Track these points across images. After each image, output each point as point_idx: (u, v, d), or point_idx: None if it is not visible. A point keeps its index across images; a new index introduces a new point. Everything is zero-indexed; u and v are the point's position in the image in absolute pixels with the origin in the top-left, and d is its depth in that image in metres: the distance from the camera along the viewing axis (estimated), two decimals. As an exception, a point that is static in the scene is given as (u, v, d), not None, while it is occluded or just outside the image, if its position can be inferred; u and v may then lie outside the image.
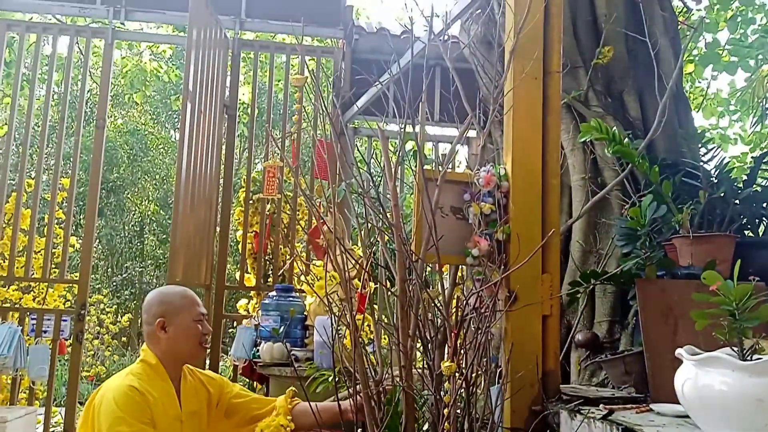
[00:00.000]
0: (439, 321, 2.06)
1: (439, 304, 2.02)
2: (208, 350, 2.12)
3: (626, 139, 2.54)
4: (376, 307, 2.56)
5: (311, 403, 1.98)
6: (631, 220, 2.32)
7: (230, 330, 6.73)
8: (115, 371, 11.93)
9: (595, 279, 2.30)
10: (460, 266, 2.29)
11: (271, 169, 4.27)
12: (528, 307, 2.08)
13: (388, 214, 2.03)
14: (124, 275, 15.64)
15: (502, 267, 2.05)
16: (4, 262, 4.38)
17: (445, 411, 1.63)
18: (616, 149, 2.45)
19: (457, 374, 1.73)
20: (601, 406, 1.85)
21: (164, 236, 16.13)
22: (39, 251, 4.43)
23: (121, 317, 10.97)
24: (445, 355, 1.86)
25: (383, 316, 2.10)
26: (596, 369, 2.64)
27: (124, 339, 12.95)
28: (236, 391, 2.30)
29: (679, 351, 1.58)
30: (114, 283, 15.06)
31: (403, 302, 1.91)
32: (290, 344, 3.92)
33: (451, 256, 2.13)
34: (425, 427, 2.04)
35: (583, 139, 2.54)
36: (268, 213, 4.50)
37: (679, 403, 1.71)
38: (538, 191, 2.19)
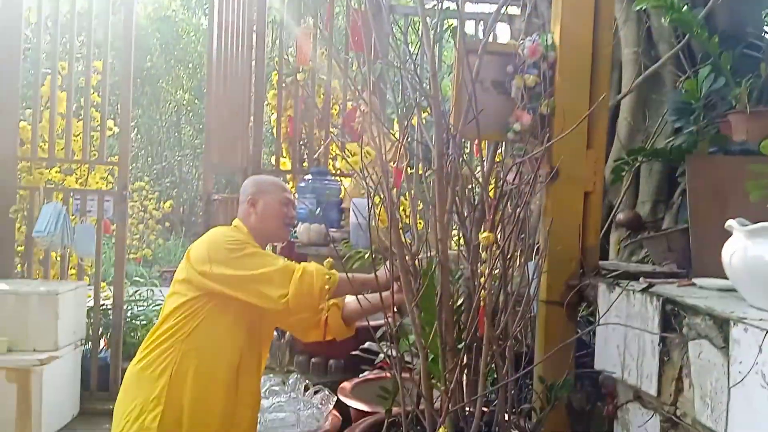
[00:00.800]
0: (477, 198, 2.02)
1: (477, 180, 1.97)
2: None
3: (685, 7, 2.35)
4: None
5: (348, 274, 2.00)
6: (685, 93, 2.19)
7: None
8: (161, 254, 12.41)
9: (643, 155, 2.21)
10: (500, 144, 2.22)
11: (305, 35, 4.11)
12: (570, 183, 2.02)
13: (425, 85, 1.94)
14: (163, 164, 15.96)
15: (545, 143, 1.97)
16: (45, 144, 4.45)
17: (482, 280, 1.62)
18: (674, 18, 2.27)
19: (494, 247, 1.71)
20: (641, 279, 1.82)
21: (200, 126, 16.24)
22: (78, 134, 4.47)
23: (163, 204, 11.24)
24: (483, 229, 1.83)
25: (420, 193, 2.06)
26: (636, 248, 2.61)
27: (167, 224, 13.39)
28: None
29: (729, 222, 1.52)
30: (155, 171, 15.41)
31: (440, 177, 1.86)
32: (326, 226, 3.97)
33: (492, 132, 2.06)
34: (460, 301, 2.06)
35: (638, 7, 2.36)
36: (300, 82, 4.36)
37: (722, 279, 1.69)
38: (588, 62, 2.06)
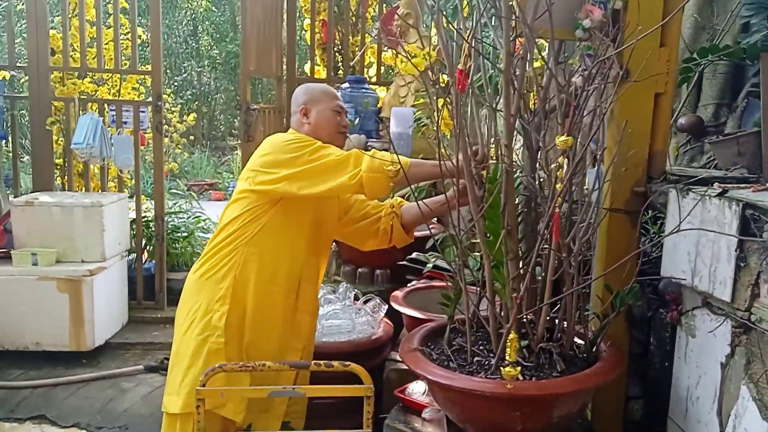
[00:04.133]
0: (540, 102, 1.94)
1: (541, 84, 1.88)
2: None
3: None
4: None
5: (418, 202, 1.98)
6: (764, -14, 2.04)
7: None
8: (187, 167, 12.45)
9: (713, 53, 2.09)
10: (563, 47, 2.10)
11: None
12: (641, 84, 1.91)
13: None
14: (183, 75, 15.75)
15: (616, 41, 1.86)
16: (75, 53, 4.36)
17: (558, 186, 1.57)
18: None
19: (570, 153, 1.64)
20: (715, 184, 1.76)
21: (218, 35, 15.89)
22: (108, 42, 4.37)
23: (186, 117, 11.17)
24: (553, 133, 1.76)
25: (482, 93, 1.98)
26: (696, 154, 2.52)
27: (191, 137, 13.35)
28: None
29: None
30: (175, 84, 15.22)
31: (508, 79, 1.78)
32: (366, 136, 3.90)
33: (558, 28, 1.94)
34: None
35: None
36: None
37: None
38: (662, -48, 1.91)
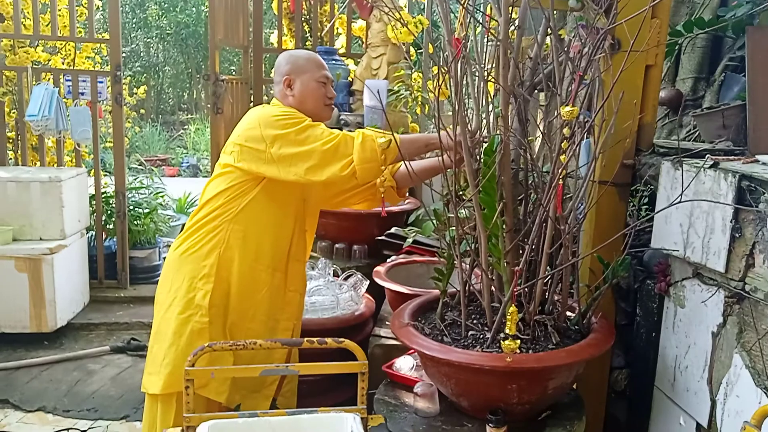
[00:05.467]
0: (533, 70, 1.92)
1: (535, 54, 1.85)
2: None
3: None
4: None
5: (408, 163, 1.90)
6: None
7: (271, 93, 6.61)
8: (138, 142, 12.06)
9: (699, 27, 2.10)
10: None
11: None
12: (632, 55, 1.90)
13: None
14: (132, 47, 15.18)
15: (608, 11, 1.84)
16: (27, 20, 4.11)
17: (563, 158, 1.55)
18: None
19: (575, 124, 1.62)
20: (707, 157, 1.77)
21: (166, 5, 15.33)
22: (62, 10, 4.13)
23: (136, 90, 10.80)
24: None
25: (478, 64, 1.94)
26: (674, 128, 2.55)
27: (142, 111, 12.90)
28: None
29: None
30: (123, 55, 14.68)
31: (505, 48, 1.74)
32: (336, 110, 3.82)
33: (552, -2, 1.91)
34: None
35: None
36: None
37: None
38: None
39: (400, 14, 3.00)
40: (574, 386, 2.17)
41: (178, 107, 16.82)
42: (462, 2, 1.80)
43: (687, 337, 1.85)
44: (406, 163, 1.90)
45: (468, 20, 1.79)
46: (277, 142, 1.89)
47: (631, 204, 2.14)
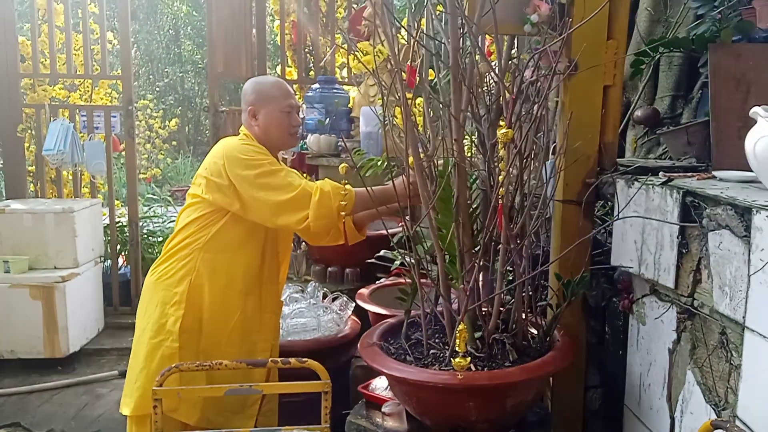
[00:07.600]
0: (493, 95, 1.97)
1: (493, 78, 1.90)
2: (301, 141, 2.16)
3: None
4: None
5: (368, 188, 1.97)
6: (709, -22, 2.08)
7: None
8: (171, 173, 12.39)
9: (664, 47, 2.12)
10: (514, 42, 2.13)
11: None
12: (589, 76, 1.94)
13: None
14: (166, 81, 15.70)
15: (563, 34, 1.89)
16: (45, 60, 4.35)
17: (500, 178, 1.60)
18: None
19: (511, 146, 1.67)
20: (660, 174, 1.79)
21: (200, 40, 15.85)
22: (78, 48, 4.36)
23: (169, 122, 11.12)
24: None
25: (434, 91, 2.00)
26: (653, 146, 2.56)
27: (174, 143, 13.30)
28: None
29: (755, 109, 1.48)
30: (157, 89, 15.18)
31: (456, 74, 1.80)
32: (336, 136, 3.92)
33: (507, 23, 1.97)
34: (477, 202, 2.05)
35: None
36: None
37: (743, 171, 1.66)
38: (607, -54, 1.94)
39: (357, 48, 3.08)
40: (546, 405, 2.18)
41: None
42: (414, 31, 1.87)
43: (648, 354, 1.85)
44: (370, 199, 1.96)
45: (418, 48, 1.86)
46: (237, 182, 1.97)
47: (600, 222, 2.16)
